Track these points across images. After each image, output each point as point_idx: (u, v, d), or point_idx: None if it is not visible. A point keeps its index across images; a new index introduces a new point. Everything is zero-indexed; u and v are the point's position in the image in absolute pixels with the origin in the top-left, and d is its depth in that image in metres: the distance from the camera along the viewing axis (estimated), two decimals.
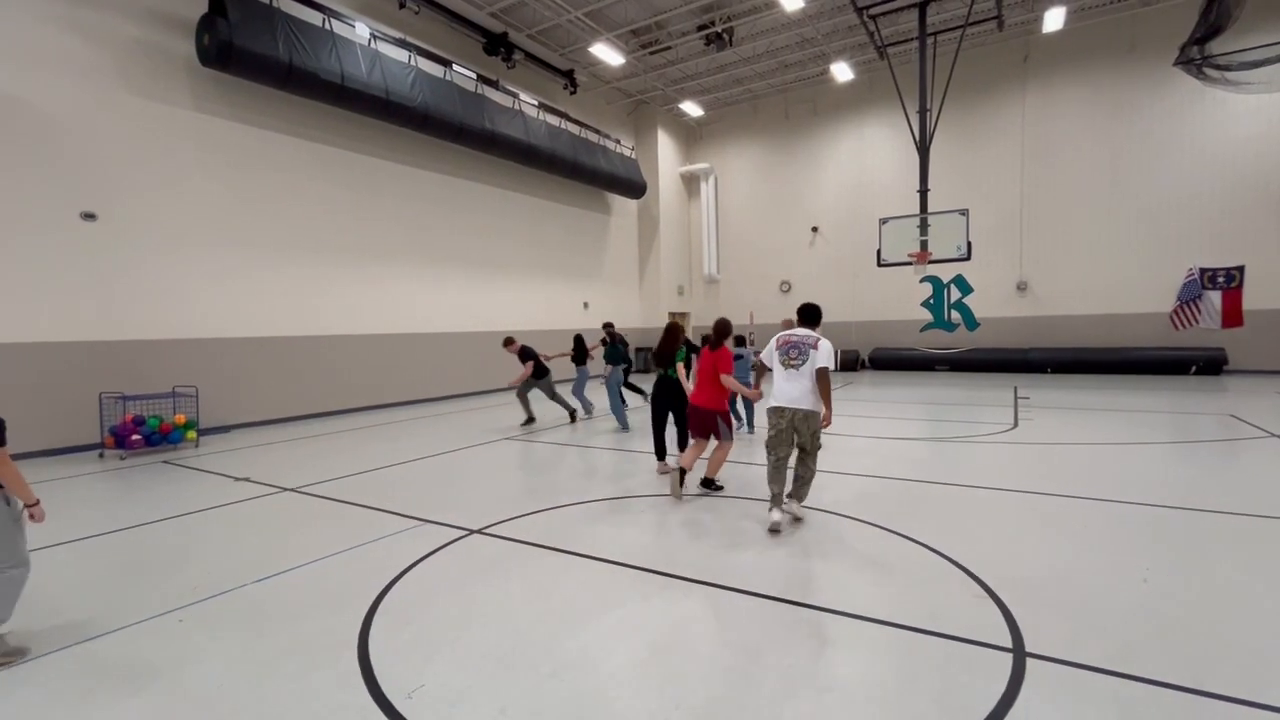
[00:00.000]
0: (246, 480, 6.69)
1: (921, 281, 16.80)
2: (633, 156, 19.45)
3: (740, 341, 9.30)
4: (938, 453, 7.47)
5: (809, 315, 5.22)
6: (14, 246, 8.08)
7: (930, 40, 13.46)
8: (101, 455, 8.23)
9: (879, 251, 13.26)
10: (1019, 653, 2.88)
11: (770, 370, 5.13)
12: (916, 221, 12.80)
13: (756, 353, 6.52)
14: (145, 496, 6.18)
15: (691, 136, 22.11)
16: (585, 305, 18.59)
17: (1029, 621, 3.15)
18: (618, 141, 18.71)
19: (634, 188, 19.10)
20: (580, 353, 11.03)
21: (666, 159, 20.98)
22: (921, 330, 18.20)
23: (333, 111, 11.47)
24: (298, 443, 9.00)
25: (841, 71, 17.03)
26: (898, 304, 18.53)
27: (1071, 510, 5.04)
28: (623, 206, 20.27)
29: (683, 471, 5.59)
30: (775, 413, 4.88)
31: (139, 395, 8.72)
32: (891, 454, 7.29)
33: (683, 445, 6.73)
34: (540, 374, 10.12)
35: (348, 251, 12.08)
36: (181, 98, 9.71)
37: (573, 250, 18.12)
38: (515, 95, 14.81)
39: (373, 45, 11.60)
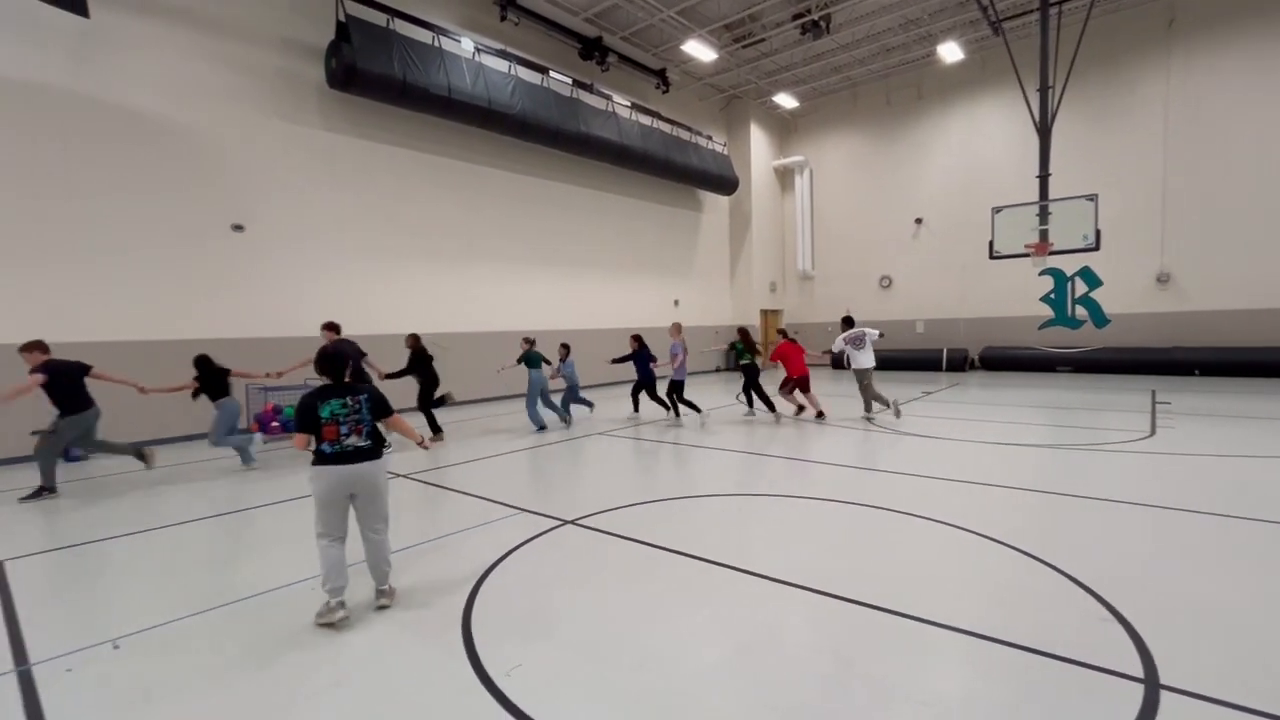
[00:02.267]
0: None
1: (1041, 275, 15.42)
2: (724, 152, 19.28)
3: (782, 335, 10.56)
4: (1059, 461, 6.87)
5: (851, 322, 9.95)
6: (177, 254, 9.27)
7: (1054, 10, 12.33)
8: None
9: (991, 243, 12.33)
10: (1152, 683, 2.61)
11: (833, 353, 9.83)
12: (1035, 210, 11.78)
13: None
14: (286, 476, 6.91)
15: (785, 129, 21.59)
16: (676, 303, 18.66)
17: (1164, 650, 2.85)
18: (709, 138, 18.61)
19: (725, 184, 18.93)
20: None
21: (759, 153, 20.61)
22: (1040, 327, 16.74)
23: (440, 123, 12.23)
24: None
25: (950, 52, 15.99)
26: (1012, 299, 17.17)
27: (1217, 530, 4.48)
28: (714, 203, 20.15)
29: (800, 408, 9.97)
30: (860, 372, 9.51)
31: (277, 386, 9.73)
32: (1005, 461, 6.78)
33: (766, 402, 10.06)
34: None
35: (452, 254, 12.85)
36: (313, 118, 10.72)
37: (664, 248, 18.24)
38: (608, 97, 15.11)
39: (477, 58, 12.25)
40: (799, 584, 3.68)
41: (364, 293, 11.38)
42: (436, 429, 9.08)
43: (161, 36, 9.10)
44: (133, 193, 8.88)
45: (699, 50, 15.14)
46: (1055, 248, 11.54)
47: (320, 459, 3.39)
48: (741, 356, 10.22)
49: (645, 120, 16.14)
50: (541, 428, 9.49)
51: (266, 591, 3.81)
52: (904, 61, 17.92)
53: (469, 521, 5.10)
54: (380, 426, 3.60)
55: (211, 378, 7.26)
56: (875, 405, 9.70)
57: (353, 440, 3.42)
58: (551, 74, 13.77)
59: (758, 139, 20.53)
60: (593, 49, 14.84)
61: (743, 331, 10.25)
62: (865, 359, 9.50)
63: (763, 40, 15.86)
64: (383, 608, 3.49)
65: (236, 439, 7.36)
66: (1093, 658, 2.81)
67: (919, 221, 18.90)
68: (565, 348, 10.15)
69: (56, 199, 8.29)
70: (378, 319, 11.53)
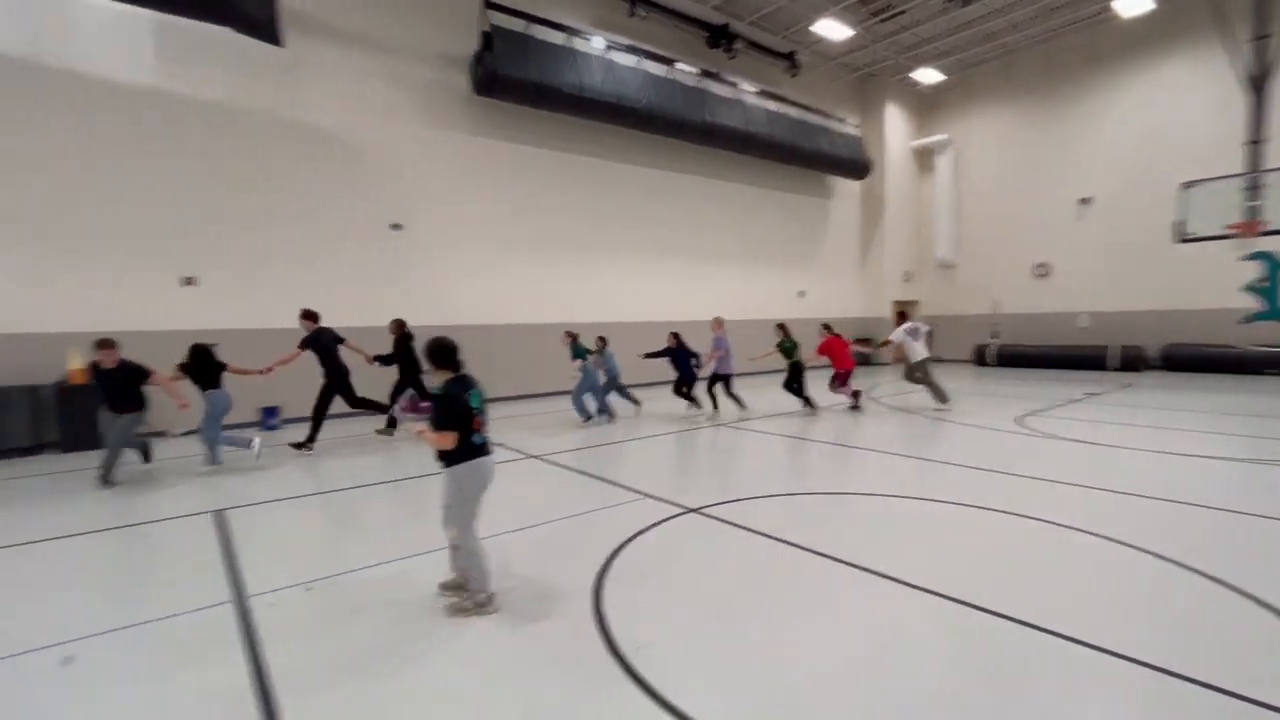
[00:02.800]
0: (501, 445, 7.87)
1: (1245, 260, 13.11)
2: (857, 135, 18.29)
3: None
4: (1257, 478, 5.86)
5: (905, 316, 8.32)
6: (343, 252, 10.47)
7: None
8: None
9: (1180, 224, 10.66)
10: None
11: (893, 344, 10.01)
12: (1240, 184, 10.02)
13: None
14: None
15: (926, 107, 20.04)
16: (801, 294, 18.08)
17: None
18: (840, 120, 17.75)
19: (857, 168, 17.99)
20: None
21: (895, 134, 19.34)
22: (1242, 322, 14.24)
23: (571, 121, 12.73)
24: (539, 416, 10.27)
25: (1131, 4, 13.98)
26: (1202, 289, 14.78)
27: None
28: (844, 189, 19.22)
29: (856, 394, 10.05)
30: (920, 363, 9.82)
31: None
32: (1192, 474, 5.90)
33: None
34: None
35: (580, 246, 13.37)
36: (461, 123, 11.61)
37: (788, 237, 17.72)
38: (734, 84, 14.89)
39: (606, 55, 12.59)
40: (940, 592, 3.47)
41: (503, 284, 12.19)
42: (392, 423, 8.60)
43: (339, 61, 10.28)
44: (314, 198, 10.15)
45: (832, 29, 14.47)
46: (1269, 227, 9.76)
47: (474, 452, 3.30)
48: (791, 353, 10.05)
49: (772, 106, 15.72)
50: (588, 418, 9.48)
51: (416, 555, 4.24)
52: (1071, 22, 15.93)
53: (595, 504, 5.33)
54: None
55: (204, 369, 6.79)
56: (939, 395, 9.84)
57: (486, 433, 3.39)
58: (677, 65, 13.83)
59: (894, 119, 19.26)
60: (719, 37, 14.69)
61: (784, 327, 10.27)
62: (923, 350, 9.96)
63: (902, 12, 14.82)
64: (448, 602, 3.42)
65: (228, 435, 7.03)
66: None
67: (1084, 202, 16.79)
68: (602, 340, 9.90)
69: (256, 205, 9.68)
70: (514, 309, 12.29)
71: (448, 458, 3.27)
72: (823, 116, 17.09)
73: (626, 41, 13.22)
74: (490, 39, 11.04)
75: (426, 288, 11.24)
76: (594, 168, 13.51)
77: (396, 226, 10.96)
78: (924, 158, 20.15)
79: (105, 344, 6.08)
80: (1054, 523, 4.54)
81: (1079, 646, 2.88)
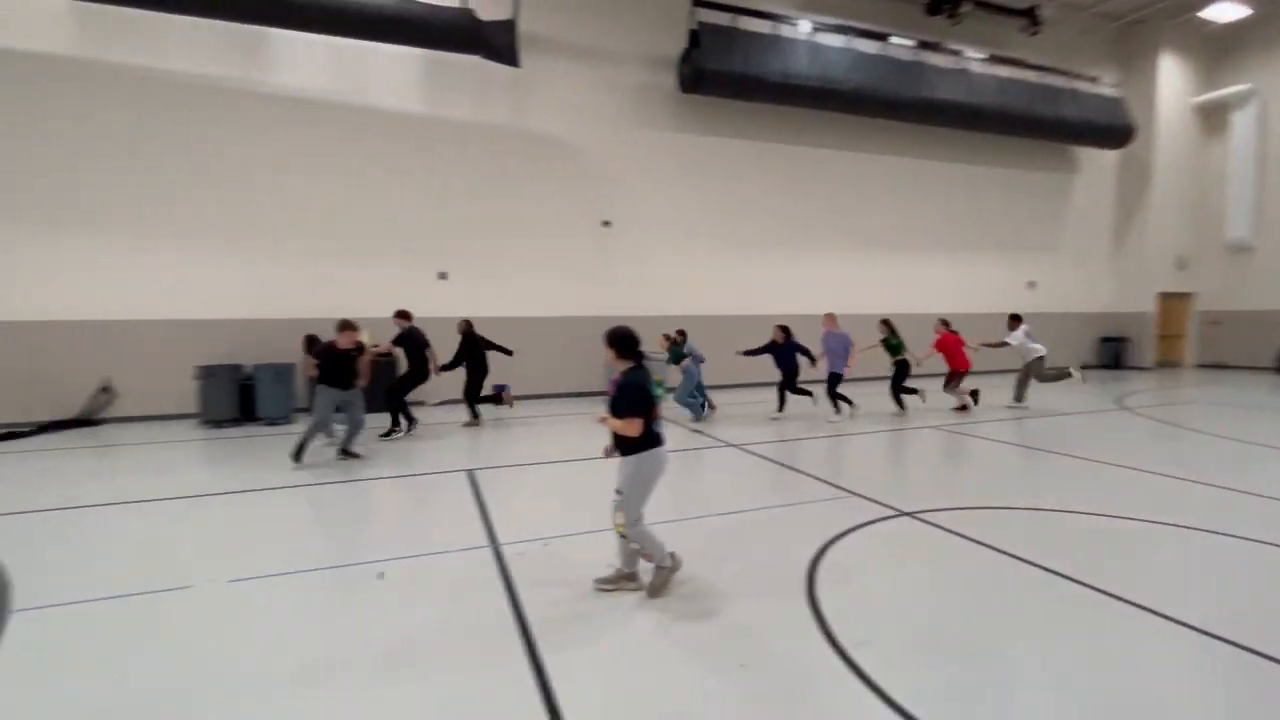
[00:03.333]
0: (700, 433, 8.14)
1: None
2: (1115, 95, 15.40)
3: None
4: None
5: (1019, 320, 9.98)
6: (558, 247, 11.51)
7: None
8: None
9: None
10: None
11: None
12: None
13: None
14: None
15: (1217, 53, 16.16)
16: (1031, 285, 15.83)
17: None
18: (1093, 80, 15.08)
19: (1114, 134, 15.17)
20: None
21: (1170, 89, 15.91)
22: None
23: (774, 110, 12.53)
24: (737, 406, 10.39)
25: None
26: None
27: None
28: (1094, 160, 16.33)
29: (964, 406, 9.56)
30: (1040, 360, 9.80)
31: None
32: None
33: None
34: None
35: (782, 237, 13.16)
36: (666, 122, 12.10)
37: (1018, 220, 15.56)
38: (958, 53, 13.45)
39: (813, 38, 12.17)
40: (1188, 623, 2.88)
41: (704, 276, 12.50)
42: (476, 416, 8.78)
43: (561, 72, 11.31)
44: (537, 200, 11.34)
45: None
46: None
47: (652, 441, 3.32)
48: (897, 351, 9.40)
49: (1003, 72, 13.90)
50: (700, 415, 9.08)
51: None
52: None
53: (802, 497, 5.28)
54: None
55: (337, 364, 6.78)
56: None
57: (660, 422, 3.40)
58: (892, 40, 12.86)
59: (1170, 71, 15.84)
60: (942, 2, 13.34)
61: (889, 323, 9.60)
62: (1042, 348, 9.89)
63: None
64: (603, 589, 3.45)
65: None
66: None
67: None
68: (682, 333, 9.39)
69: (490, 209, 11.11)
70: (715, 301, 12.54)
71: (627, 446, 3.30)
72: (1069, 78, 14.67)
73: (835, 21, 12.63)
74: (697, 36, 11.31)
75: (631, 280, 11.95)
76: (797, 155, 13.17)
77: (606, 224, 11.80)
78: (1212, 116, 16.30)
79: (347, 325, 6.57)
80: None
81: None
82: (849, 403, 9.27)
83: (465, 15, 9.50)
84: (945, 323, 9.91)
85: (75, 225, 8.95)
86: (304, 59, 9.88)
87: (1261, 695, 2.53)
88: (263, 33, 9.50)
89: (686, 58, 11.56)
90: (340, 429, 6.90)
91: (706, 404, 9.24)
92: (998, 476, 6.12)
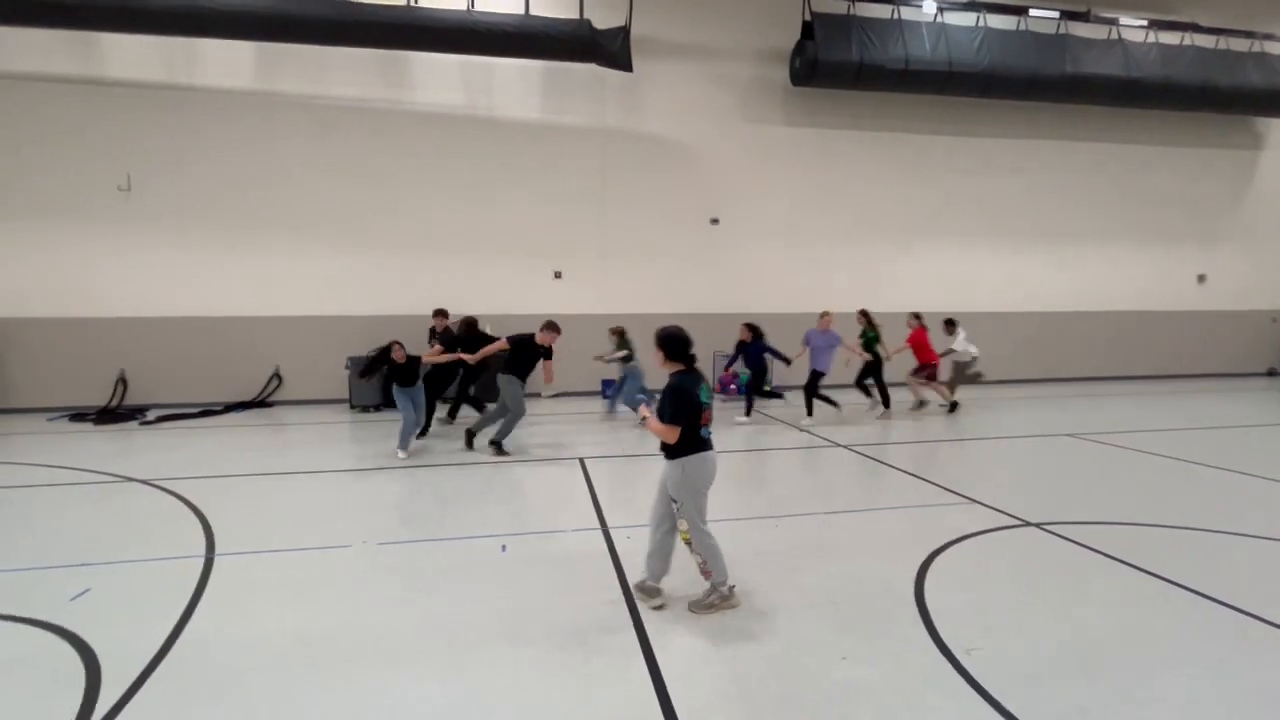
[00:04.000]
0: (810, 432, 8.01)
1: None
2: None
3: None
4: None
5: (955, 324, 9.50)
6: (668, 244, 11.68)
7: None
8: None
9: None
10: None
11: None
12: None
13: None
14: (744, 432, 8.17)
15: None
16: (1201, 279, 13.91)
17: None
18: None
19: None
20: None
21: None
22: None
23: (891, 97, 11.92)
24: (844, 409, 10.06)
25: None
26: None
27: None
28: None
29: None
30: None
31: (730, 354, 11.40)
32: None
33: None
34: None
35: (898, 230, 12.53)
36: (776, 116, 11.93)
37: (1186, 205, 13.69)
38: (1113, 22, 12.08)
39: (939, 19, 11.46)
40: None
41: (812, 272, 12.20)
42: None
43: (671, 73, 11.50)
44: (648, 199, 11.61)
45: None
46: None
47: (700, 445, 3.20)
48: (871, 345, 9.09)
49: (1170, 39, 12.30)
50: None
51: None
52: None
53: (916, 500, 5.10)
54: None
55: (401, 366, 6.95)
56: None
57: (710, 428, 3.28)
58: (1031, 13, 11.80)
59: None
60: None
61: (867, 314, 9.33)
62: (976, 349, 9.54)
63: None
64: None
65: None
66: None
67: None
68: (621, 331, 9.17)
69: (601, 210, 11.53)
70: (823, 298, 12.19)
71: (672, 451, 3.18)
72: (1255, 40, 12.69)
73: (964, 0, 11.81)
74: (810, 27, 11.03)
75: (737, 277, 11.92)
76: (913, 144, 12.44)
77: (715, 221, 11.85)
78: None
79: (552, 326, 6.86)
80: None
81: None
82: (833, 404, 9.04)
83: (582, 26, 9.92)
84: (917, 317, 9.45)
85: (249, 234, 10.39)
86: (437, 77, 10.79)
87: None
88: (403, 55, 10.49)
89: (799, 50, 11.29)
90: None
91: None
92: (1135, 488, 5.52)
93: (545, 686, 2.60)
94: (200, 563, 3.91)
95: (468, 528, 4.56)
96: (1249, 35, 12.71)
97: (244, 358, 10.44)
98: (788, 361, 8.89)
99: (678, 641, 2.96)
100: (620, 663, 2.78)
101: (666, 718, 2.39)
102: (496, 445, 6.76)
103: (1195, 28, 12.46)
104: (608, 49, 10.06)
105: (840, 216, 12.32)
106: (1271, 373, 14.36)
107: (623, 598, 3.40)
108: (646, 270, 11.68)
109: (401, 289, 10.83)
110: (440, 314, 9.12)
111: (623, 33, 10.20)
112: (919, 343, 9.35)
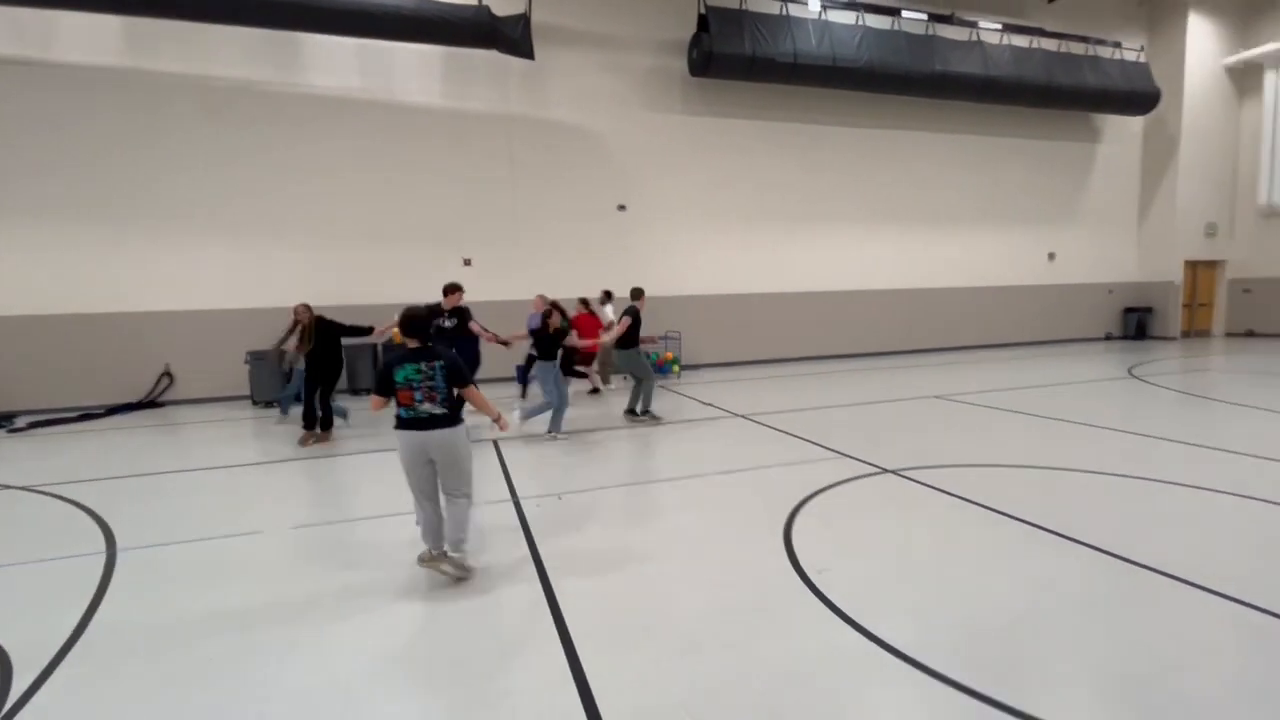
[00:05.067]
0: (710, 405, 8.61)
1: None
2: (1141, 60, 15.11)
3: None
4: None
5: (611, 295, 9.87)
6: (574, 231, 11.96)
7: None
8: (626, 379, 11.64)
9: None
10: None
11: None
12: None
13: None
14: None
15: (1252, 9, 15.66)
16: (1051, 256, 15.76)
17: None
18: (1116, 46, 14.80)
19: (1139, 101, 14.91)
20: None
21: (1201, 52, 15.51)
22: None
23: (784, 89, 12.70)
24: (749, 382, 10.81)
25: None
26: None
27: None
28: (1118, 128, 16.06)
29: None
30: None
31: (644, 338, 11.89)
32: None
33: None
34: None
35: (794, 215, 13.39)
36: (676, 105, 12.40)
37: (1039, 192, 15.46)
38: (973, 25, 13.38)
39: (823, 16, 12.28)
40: (1172, 573, 3.28)
41: (716, 256, 12.84)
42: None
43: (574, 60, 11.69)
44: (554, 186, 11.81)
45: None
46: None
47: (396, 423, 3.38)
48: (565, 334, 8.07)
49: (1021, 42, 13.78)
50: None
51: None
52: None
53: (795, 458, 5.74)
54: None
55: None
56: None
57: (427, 407, 3.32)
58: (904, 14, 12.87)
59: (1199, 32, 15.43)
60: None
61: (557, 305, 7.84)
62: None
63: None
64: (446, 573, 3.36)
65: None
66: None
67: None
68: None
69: (511, 196, 11.62)
70: (729, 280, 12.91)
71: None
72: (1091, 44, 14.45)
73: None
74: (706, 20, 11.53)
75: (647, 261, 12.37)
76: (807, 133, 13.33)
77: (622, 207, 12.22)
78: (1244, 77, 15.86)
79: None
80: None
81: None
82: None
83: (482, 12, 9.92)
84: (584, 302, 10.13)
85: (133, 225, 9.75)
86: (333, 60, 10.45)
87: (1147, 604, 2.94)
88: (294, 36, 10.09)
89: (696, 42, 11.80)
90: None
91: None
92: (977, 437, 6.45)
93: (460, 634, 2.92)
94: (102, 559, 3.89)
95: (380, 508, 4.73)
96: (1085, 40, 14.44)
97: (130, 356, 9.83)
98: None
99: (570, 582, 3.34)
100: (525, 608, 3.13)
101: (563, 640, 2.77)
102: (649, 414, 7.51)
103: (1042, 32, 14.02)
104: (509, 36, 10.13)
105: (742, 202, 13.02)
106: (1108, 337, 16.55)
107: (529, 555, 3.74)
108: (558, 255, 11.90)
109: (303, 279, 10.48)
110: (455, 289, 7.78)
111: (523, 20, 10.29)
112: (582, 325, 9.38)
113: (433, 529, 3.41)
